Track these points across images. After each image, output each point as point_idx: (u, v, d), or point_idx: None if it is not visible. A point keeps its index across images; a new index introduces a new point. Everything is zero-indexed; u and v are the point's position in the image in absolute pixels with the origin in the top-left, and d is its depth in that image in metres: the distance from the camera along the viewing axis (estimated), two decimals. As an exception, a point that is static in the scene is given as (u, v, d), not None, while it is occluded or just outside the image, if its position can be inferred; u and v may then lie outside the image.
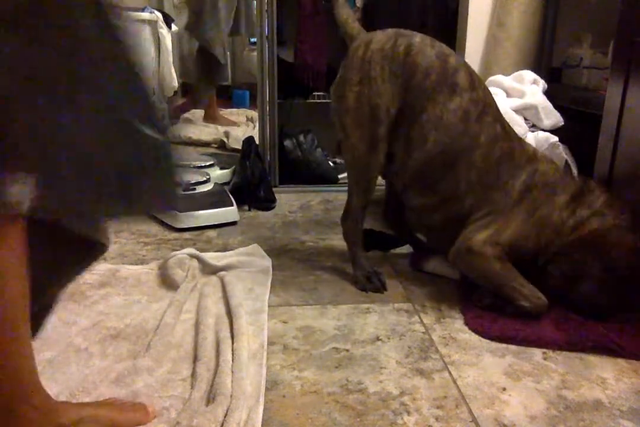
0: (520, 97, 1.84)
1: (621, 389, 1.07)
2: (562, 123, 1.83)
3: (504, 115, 1.45)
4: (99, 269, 1.52)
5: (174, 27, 2.85)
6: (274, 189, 2.24)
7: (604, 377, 1.11)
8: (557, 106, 1.84)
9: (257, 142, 2.33)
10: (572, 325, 1.25)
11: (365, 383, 1.07)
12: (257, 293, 1.40)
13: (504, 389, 1.06)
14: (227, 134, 3.14)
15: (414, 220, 1.52)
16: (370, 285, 1.46)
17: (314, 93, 2.55)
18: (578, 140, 1.75)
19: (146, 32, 2.45)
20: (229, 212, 1.94)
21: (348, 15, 1.51)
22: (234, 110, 4.10)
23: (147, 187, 0.74)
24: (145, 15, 2.46)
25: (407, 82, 1.37)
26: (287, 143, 2.45)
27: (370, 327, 1.28)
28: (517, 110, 1.81)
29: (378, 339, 1.23)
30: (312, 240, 1.82)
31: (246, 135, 2.44)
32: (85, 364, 1.09)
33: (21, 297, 0.73)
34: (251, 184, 2.14)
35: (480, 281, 1.36)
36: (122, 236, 1.81)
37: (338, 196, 2.28)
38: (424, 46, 1.39)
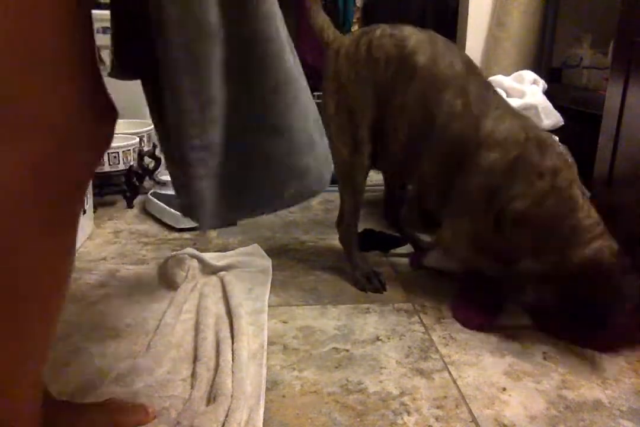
0: (520, 97, 1.84)
1: (621, 389, 1.07)
2: (562, 123, 1.83)
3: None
4: (99, 269, 1.52)
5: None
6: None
7: (604, 377, 1.11)
8: (557, 106, 1.84)
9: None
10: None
11: (365, 383, 1.07)
12: (257, 293, 1.41)
13: (504, 389, 1.06)
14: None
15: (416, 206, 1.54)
16: (369, 285, 1.46)
17: (314, 93, 2.55)
18: (578, 140, 1.75)
19: (146, 32, 2.44)
20: (229, 212, 1.94)
21: (324, 22, 1.51)
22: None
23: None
24: (145, 15, 2.46)
25: (375, 80, 1.37)
26: (287, 143, 2.45)
27: (370, 327, 1.28)
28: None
29: (378, 339, 1.23)
30: (312, 240, 1.82)
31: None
32: (85, 364, 1.09)
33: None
34: (251, 184, 2.14)
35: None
36: (122, 236, 1.81)
37: (338, 196, 2.27)
38: (382, 38, 1.37)
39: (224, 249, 1.71)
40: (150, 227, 1.90)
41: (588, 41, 2.13)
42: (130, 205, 2.09)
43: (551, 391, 1.06)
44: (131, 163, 2.09)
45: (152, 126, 2.39)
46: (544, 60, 2.23)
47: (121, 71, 0.89)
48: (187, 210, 0.74)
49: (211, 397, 0.98)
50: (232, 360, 1.08)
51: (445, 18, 2.44)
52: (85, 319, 1.26)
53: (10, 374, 0.68)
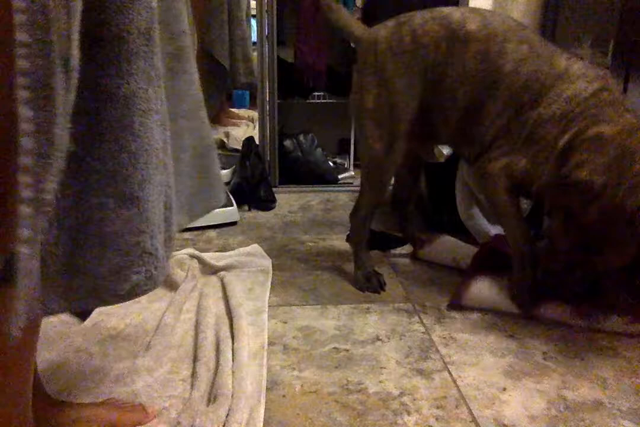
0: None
1: (621, 389, 1.07)
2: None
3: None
4: (99, 269, 1.52)
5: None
6: (274, 189, 2.24)
7: (604, 377, 1.11)
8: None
9: (257, 142, 2.33)
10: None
11: (365, 383, 1.07)
12: (257, 293, 1.41)
13: (504, 389, 1.06)
14: (227, 134, 3.14)
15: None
16: (368, 285, 1.46)
17: (314, 93, 2.55)
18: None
19: (146, 32, 2.44)
20: (229, 212, 1.94)
21: (347, 17, 1.49)
22: (234, 110, 4.10)
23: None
24: (145, 15, 2.46)
25: (424, 66, 1.36)
26: (287, 143, 2.45)
27: (370, 327, 1.28)
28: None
29: (378, 339, 1.23)
30: (312, 240, 1.82)
31: (246, 136, 2.44)
32: (85, 364, 1.09)
33: None
34: (251, 184, 2.14)
35: (488, 205, 1.40)
36: (122, 236, 1.81)
37: (338, 196, 2.28)
38: (425, 24, 1.36)
39: (224, 249, 1.71)
40: (150, 227, 1.90)
41: (588, 41, 2.13)
42: (130, 206, 2.08)
43: (551, 391, 1.06)
44: (131, 163, 2.08)
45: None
46: (544, 60, 2.23)
47: None
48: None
49: (211, 397, 0.98)
50: (233, 360, 1.08)
51: (445, 18, 2.43)
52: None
53: None
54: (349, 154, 2.68)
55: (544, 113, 1.24)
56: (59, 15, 0.49)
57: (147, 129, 0.60)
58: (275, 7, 2.24)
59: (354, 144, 2.68)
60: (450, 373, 1.11)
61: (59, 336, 1.18)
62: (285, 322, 1.29)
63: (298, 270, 1.59)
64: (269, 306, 1.35)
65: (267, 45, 2.28)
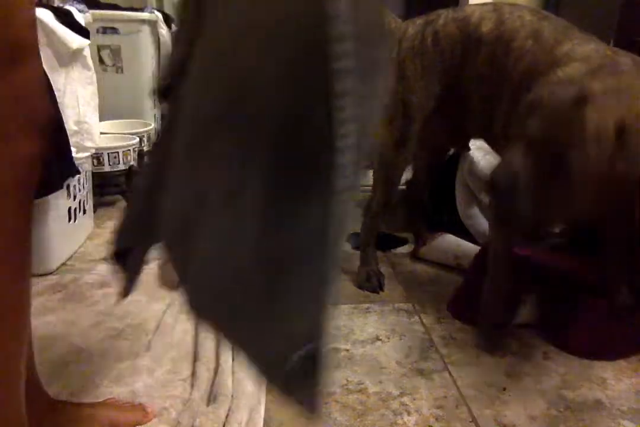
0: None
1: (621, 389, 1.07)
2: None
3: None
4: (99, 269, 1.52)
5: (174, 27, 2.85)
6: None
7: (604, 377, 1.11)
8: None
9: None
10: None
11: (365, 383, 1.07)
12: (257, 293, 1.40)
13: (504, 389, 1.06)
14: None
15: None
16: (367, 284, 1.46)
17: (314, 93, 2.55)
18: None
19: (146, 32, 2.45)
20: (229, 212, 1.94)
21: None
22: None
23: None
24: (145, 15, 2.46)
25: (442, 69, 1.35)
26: (287, 143, 2.45)
27: (370, 327, 1.28)
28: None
29: (378, 339, 1.23)
30: (312, 240, 1.82)
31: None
32: (85, 364, 1.09)
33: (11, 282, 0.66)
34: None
35: None
36: (122, 236, 1.81)
37: (338, 196, 2.28)
38: (446, 26, 1.35)
39: (224, 249, 1.71)
40: (150, 227, 1.90)
41: (588, 41, 2.13)
42: (130, 206, 2.08)
43: (551, 391, 1.06)
44: (131, 163, 2.08)
45: (152, 126, 2.40)
46: (544, 60, 2.23)
47: None
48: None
49: (211, 397, 0.98)
50: (233, 360, 1.08)
51: (445, 18, 2.43)
52: (85, 319, 1.26)
53: None
54: (349, 154, 2.67)
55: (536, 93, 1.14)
56: None
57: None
58: (275, 7, 2.24)
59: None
60: (450, 373, 1.11)
61: (59, 336, 1.18)
62: (285, 322, 1.29)
63: (298, 270, 1.59)
64: (269, 306, 1.35)
65: (267, 45, 2.27)
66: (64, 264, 1.56)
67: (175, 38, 0.59)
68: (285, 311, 0.46)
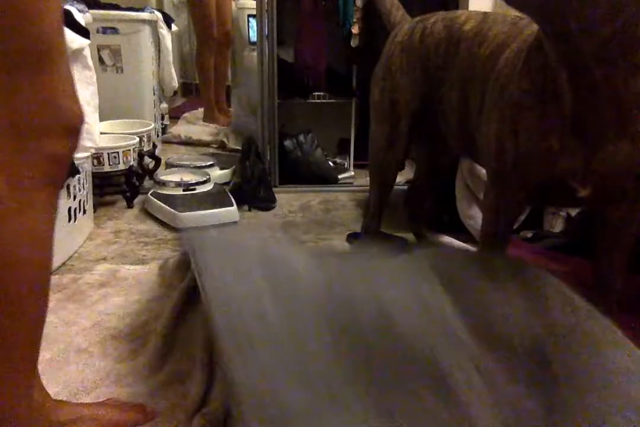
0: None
1: (621, 389, 1.07)
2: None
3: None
4: (99, 269, 1.52)
5: (174, 27, 2.85)
6: (274, 189, 2.24)
7: (603, 377, 1.11)
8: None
9: (257, 142, 2.33)
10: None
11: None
12: (257, 293, 1.40)
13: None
14: (227, 134, 3.14)
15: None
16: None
17: (314, 93, 2.55)
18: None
19: (146, 32, 2.45)
20: (229, 212, 1.94)
21: (392, 6, 1.48)
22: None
23: None
24: (145, 15, 2.46)
25: (425, 69, 1.34)
26: (287, 143, 2.45)
27: (370, 327, 1.27)
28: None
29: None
30: (312, 240, 1.82)
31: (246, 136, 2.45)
32: (85, 364, 1.09)
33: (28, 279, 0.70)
34: (251, 184, 2.14)
35: None
36: (122, 236, 1.81)
37: (338, 196, 2.28)
38: (435, 24, 1.33)
39: (224, 249, 1.71)
40: (150, 227, 1.90)
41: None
42: (130, 205, 2.09)
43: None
44: (131, 163, 2.09)
45: (152, 126, 2.40)
46: (544, 60, 2.23)
47: None
48: None
49: (211, 397, 0.98)
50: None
51: (445, 18, 2.43)
52: (85, 319, 1.26)
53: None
54: (349, 154, 2.67)
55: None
56: None
57: None
58: (275, 7, 2.24)
59: (354, 144, 2.68)
60: (450, 373, 1.11)
61: (59, 336, 1.18)
62: (285, 322, 1.29)
63: (298, 270, 1.59)
64: (269, 306, 1.35)
65: (267, 45, 2.28)
66: (63, 264, 1.56)
67: None
68: None
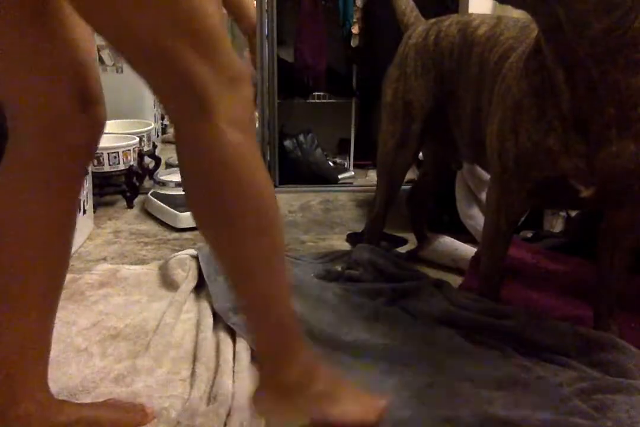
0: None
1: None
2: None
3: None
4: (99, 269, 1.52)
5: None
6: (274, 189, 2.24)
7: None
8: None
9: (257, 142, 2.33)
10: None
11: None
12: (257, 293, 1.40)
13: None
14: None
15: None
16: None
17: (314, 93, 2.55)
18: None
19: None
20: (229, 212, 1.94)
21: (407, 6, 1.48)
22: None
23: None
24: (145, 15, 2.46)
25: (439, 72, 1.34)
26: (287, 143, 2.46)
27: (370, 327, 1.27)
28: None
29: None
30: (312, 240, 1.82)
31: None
32: (85, 364, 1.09)
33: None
34: (251, 184, 2.14)
35: None
36: (122, 236, 1.81)
37: (338, 196, 2.28)
38: (449, 27, 1.34)
39: (224, 249, 1.70)
40: (150, 227, 1.90)
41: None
42: (130, 206, 2.09)
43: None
44: (131, 163, 2.09)
45: (152, 126, 2.39)
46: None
47: None
48: None
49: (211, 397, 0.98)
50: (233, 360, 1.08)
51: (445, 18, 2.43)
52: (85, 319, 1.26)
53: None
54: (349, 154, 2.68)
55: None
56: None
57: None
58: (275, 7, 2.24)
59: (354, 144, 2.68)
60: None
61: (59, 336, 1.18)
62: (285, 322, 1.29)
63: (298, 270, 1.59)
64: (269, 306, 1.35)
65: (267, 45, 2.28)
66: (64, 264, 1.56)
67: None
68: None
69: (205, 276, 1.39)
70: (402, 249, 1.72)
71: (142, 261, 1.62)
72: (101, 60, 2.36)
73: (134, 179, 2.10)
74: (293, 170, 2.43)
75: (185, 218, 1.85)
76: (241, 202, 0.73)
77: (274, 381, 0.80)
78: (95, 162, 1.96)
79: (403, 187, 1.56)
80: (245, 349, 1.11)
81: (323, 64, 2.50)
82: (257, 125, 2.41)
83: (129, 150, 2.08)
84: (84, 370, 1.07)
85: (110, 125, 2.23)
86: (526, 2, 0.89)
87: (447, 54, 1.33)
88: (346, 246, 1.73)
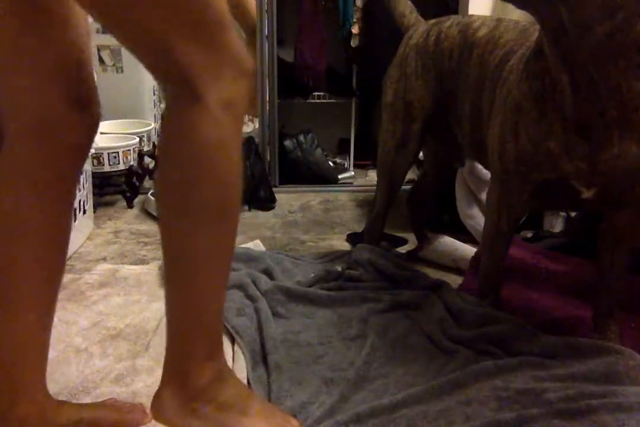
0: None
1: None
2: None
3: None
4: (99, 269, 1.52)
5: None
6: (274, 189, 2.24)
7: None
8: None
9: (257, 142, 2.33)
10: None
11: (365, 383, 1.07)
12: (257, 293, 1.40)
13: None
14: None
15: None
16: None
17: (314, 93, 2.55)
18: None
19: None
20: (229, 212, 1.94)
21: (405, 8, 1.48)
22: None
23: None
24: (145, 15, 2.46)
25: (440, 73, 1.35)
26: (287, 143, 2.46)
27: (370, 327, 1.27)
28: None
29: (378, 339, 1.23)
30: (312, 240, 1.82)
31: (246, 136, 2.45)
32: (85, 364, 1.09)
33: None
34: (251, 184, 2.14)
35: None
36: (122, 236, 1.81)
37: (338, 196, 2.28)
38: (450, 28, 1.34)
39: (224, 249, 1.70)
40: (150, 227, 1.90)
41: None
42: (130, 206, 2.09)
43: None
44: (131, 163, 2.09)
45: (152, 126, 2.39)
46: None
47: None
48: None
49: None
50: (233, 360, 1.08)
51: (445, 18, 2.43)
52: (85, 319, 1.26)
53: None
54: (349, 154, 2.68)
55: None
56: None
57: None
58: (275, 6, 2.24)
59: (354, 144, 2.68)
60: (450, 373, 1.11)
61: (59, 336, 1.18)
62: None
63: (298, 270, 1.59)
64: (269, 306, 1.35)
65: (267, 45, 2.28)
66: (64, 264, 1.56)
67: None
68: None
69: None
70: (402, 249, 1.72)
71: (142, 261, 1.62)
72: (101, 60, 2.36)
73: (134, 179, 2.10)
74: (293, 170, 2.43)
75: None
76: (208, 190, 0.72)
77: (181, 381, 0.76)
78: (95, 162, 1.96)
79: (403, 187, 1.56)
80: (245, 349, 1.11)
81: (323, 64, 2.50)
82: (257, 125, 2.41)
83: (129, 150, 2.08)
84: (84, 370, 1.07)
85: (110, 125, 2.23)
86: (530, 2, 0.89)
87: (447, 54, 1.34)
88: (346, 246, 1.73)
